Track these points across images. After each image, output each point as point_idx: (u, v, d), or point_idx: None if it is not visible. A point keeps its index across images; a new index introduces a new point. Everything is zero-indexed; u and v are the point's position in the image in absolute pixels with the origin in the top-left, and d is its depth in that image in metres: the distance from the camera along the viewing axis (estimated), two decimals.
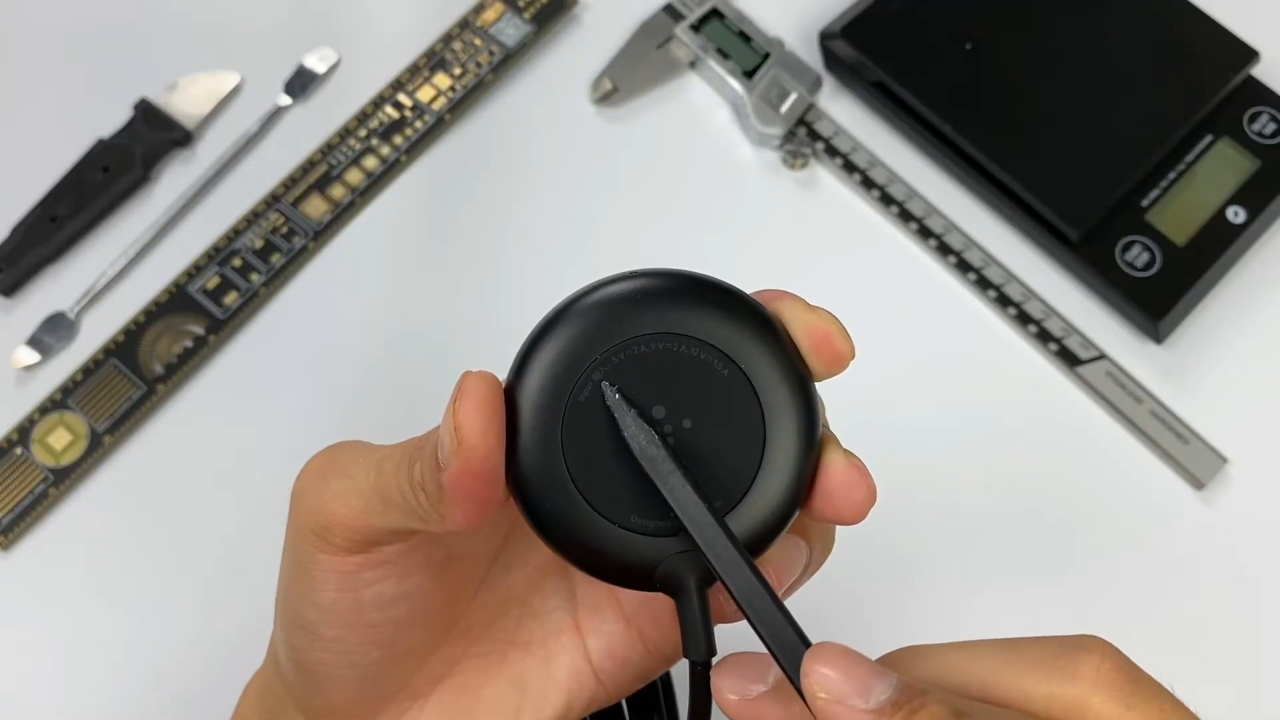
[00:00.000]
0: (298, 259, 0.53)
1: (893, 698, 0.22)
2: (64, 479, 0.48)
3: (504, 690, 0.30)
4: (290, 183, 0.54)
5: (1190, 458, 0.49)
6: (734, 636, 0.28)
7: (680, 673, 0.30)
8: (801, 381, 0.26)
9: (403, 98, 0.56)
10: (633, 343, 0.25)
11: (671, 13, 0.57)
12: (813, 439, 0.26)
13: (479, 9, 0.58)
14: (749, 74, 0.55)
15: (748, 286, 0.27)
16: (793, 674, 0.23)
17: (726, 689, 0.25)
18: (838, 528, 0.29)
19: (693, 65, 0.57)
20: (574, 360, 0.25)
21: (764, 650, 0.24)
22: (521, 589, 0.32)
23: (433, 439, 0.26)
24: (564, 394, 0.25)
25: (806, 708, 0.23)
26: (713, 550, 0.24)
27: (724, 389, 0.25)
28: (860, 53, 0.54)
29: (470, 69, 0.56)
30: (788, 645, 0.23)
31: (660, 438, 0.25)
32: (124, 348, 0.51)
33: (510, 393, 0.25)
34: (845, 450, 0.26)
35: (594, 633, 0.31)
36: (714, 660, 0.25)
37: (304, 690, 0.31)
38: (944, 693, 0.23)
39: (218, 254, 0.53)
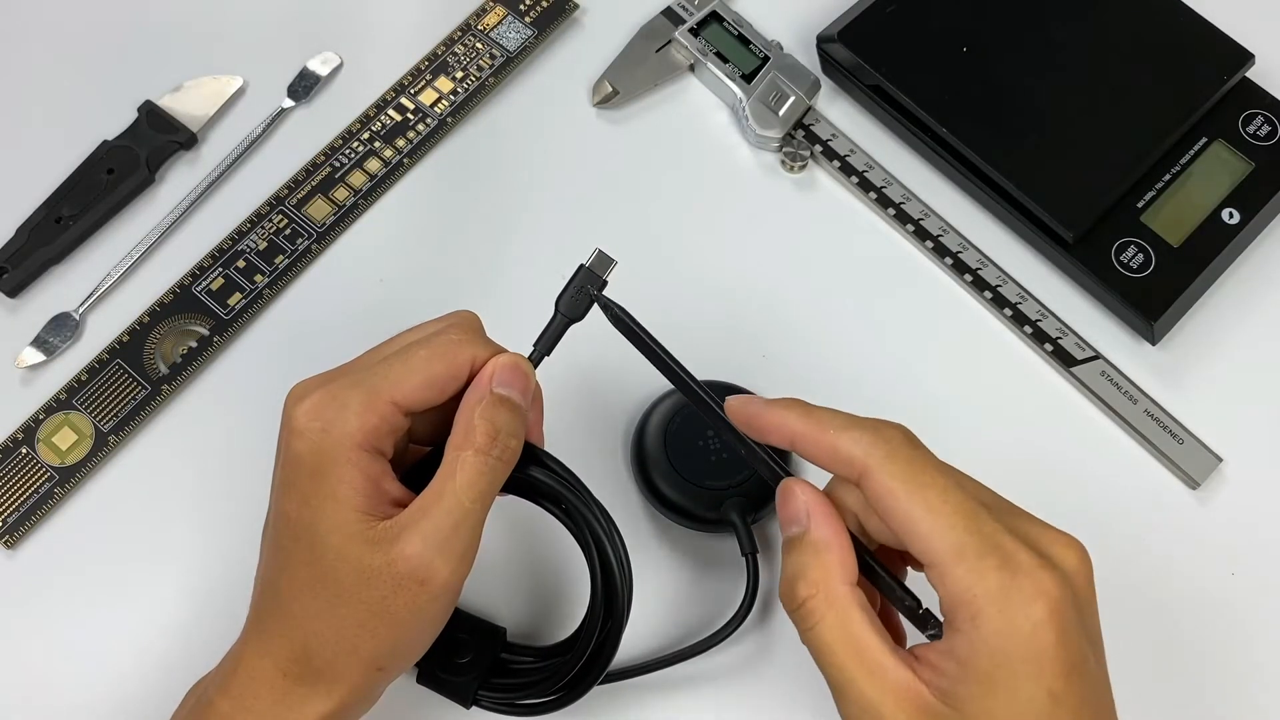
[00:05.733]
0: (301, 260, 0.53)
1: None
2: (69, 478, 0.49)
3: None
4: (294, 184, 0.54)
5: (1185, 457, 0.49)
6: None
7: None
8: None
9: (405, 101, 0.56)
10: (687, 406, 0.46)
11: (671, 16, 0.57)
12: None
13: (480, 13, 0.58)
14: (747, 77, 0.55)
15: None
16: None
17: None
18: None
19: (692, 68, 0.57)
20: (668, 411, 0.49)
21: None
22: None
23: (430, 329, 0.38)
24: (667, 425, 0.48)
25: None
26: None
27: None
28: (857, 56, 0.54)
29: (472, 72, 0.57)
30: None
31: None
32: (128, 348, 0.51)
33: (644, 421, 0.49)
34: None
35: None
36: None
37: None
38: None
39: (222, 255, 0.53)
